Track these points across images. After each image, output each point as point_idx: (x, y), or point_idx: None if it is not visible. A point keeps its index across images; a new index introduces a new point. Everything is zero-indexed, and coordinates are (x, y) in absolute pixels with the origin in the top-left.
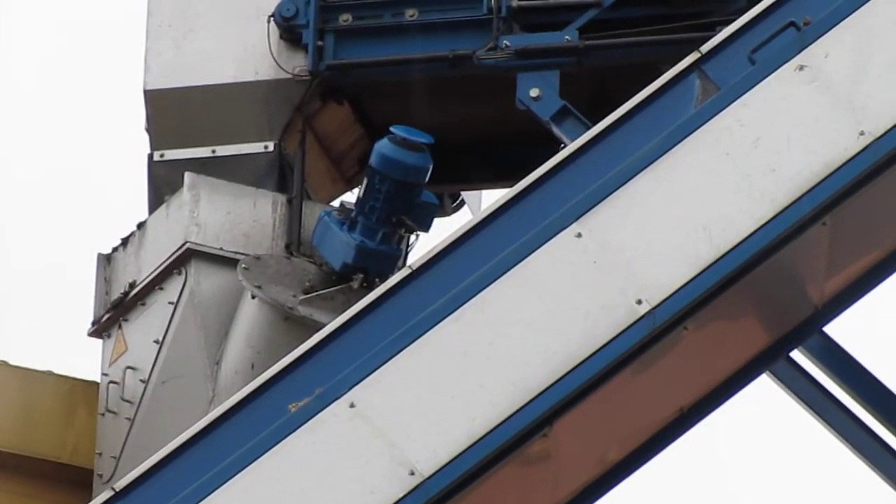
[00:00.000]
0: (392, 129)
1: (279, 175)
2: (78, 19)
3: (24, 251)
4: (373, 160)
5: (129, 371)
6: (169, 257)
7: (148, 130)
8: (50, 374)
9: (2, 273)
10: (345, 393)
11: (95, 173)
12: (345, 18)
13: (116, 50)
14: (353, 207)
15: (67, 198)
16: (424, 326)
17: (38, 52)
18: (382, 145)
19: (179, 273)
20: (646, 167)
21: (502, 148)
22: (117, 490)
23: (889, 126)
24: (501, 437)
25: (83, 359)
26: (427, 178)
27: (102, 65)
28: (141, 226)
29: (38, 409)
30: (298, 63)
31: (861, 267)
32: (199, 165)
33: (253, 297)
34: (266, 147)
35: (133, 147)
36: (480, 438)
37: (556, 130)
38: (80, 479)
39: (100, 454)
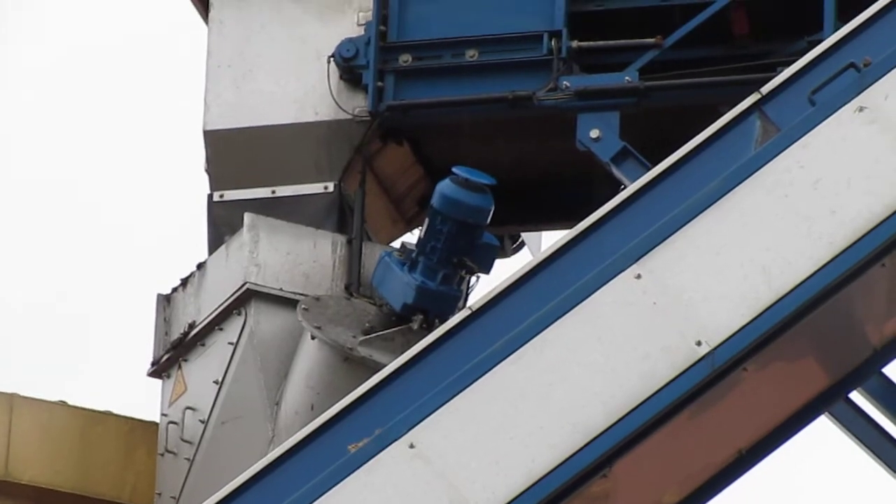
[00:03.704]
0: (454, 169)
1: (339, 216)
2: (138, 58)
3: (84, 292)
4: (435, 201)
5: (188, 411)
6: (228, 298)
7: (208, 171)
8: (109, 414)
9: (64, 313)
10: (404, 434)
11: (157, 214)
12: (405, 59)
13: (178, 89)
14: (413, 248)
15: (128, 238)
16: (484, 368)
17: (98, 89)
18: (445, 186)
19: (239, 313)
20: (705, 208)
21: (562, 189)
22: None
23: None
24: (560, 478)
25: (143, 399)
26: (489, 220)
27: (165, 103)
28: (201, 266)
29: (98, 449)
30: (358, 104)
31: None
32: (259, 206)
33: (313, 338)
34: (326, 188)
35: (194, 188)
36: (539, 479)
37: (615, 171)
38: None
39: (159, 495)
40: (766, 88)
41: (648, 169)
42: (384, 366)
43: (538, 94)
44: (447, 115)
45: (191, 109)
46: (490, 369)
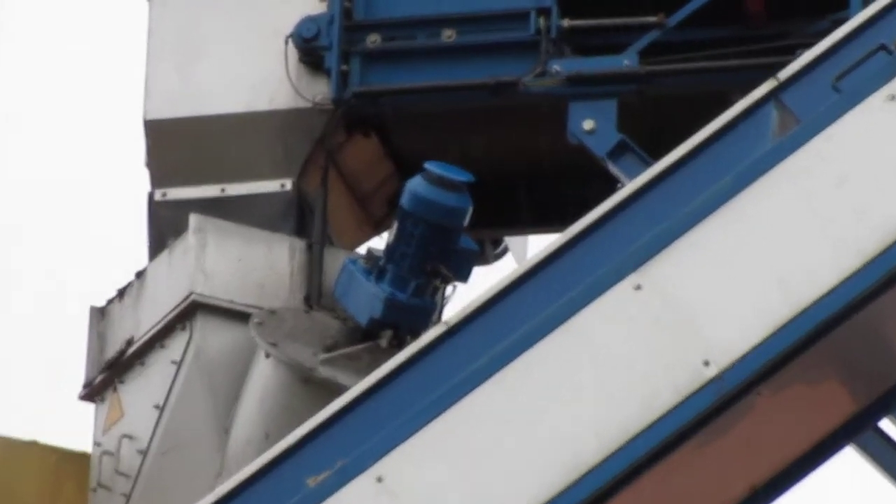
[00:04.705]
0: (427, 165)
1: (298, 217)
2: (71, 38)
3: (7, 302)
4: (404, 201)
5: (125, 440)
6: (172, 310)
7: (148, 166)
8: (34, 444)
9: None
10: (370, 466)
11: (88, 215)
12: (373, 40)
13: (113, 73)
14: (381, 255)
15: (56, 243)
16: (461, 391)
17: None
18: (416, 184)
19: (184, 328)
20: (714, 210)
21: (551, 187)
22: None
23: None
24: None
25: (73, 426)
26: (466, 222)
27: (97, 89)
28: (140, 274)
29: (21, 483)
30: (320, 90)
31: None
32: (207, 206)
33: (267, 357)
34: (283, 185)
35: (131, 185)
36: None
37: (612, 168)
38: None
39: None
40: (783, 74)
41: (649, 165)
42: (348, 388)
43: (524, 79)
44: (421, 104)
45: (130, 96)
46: (468, 393)
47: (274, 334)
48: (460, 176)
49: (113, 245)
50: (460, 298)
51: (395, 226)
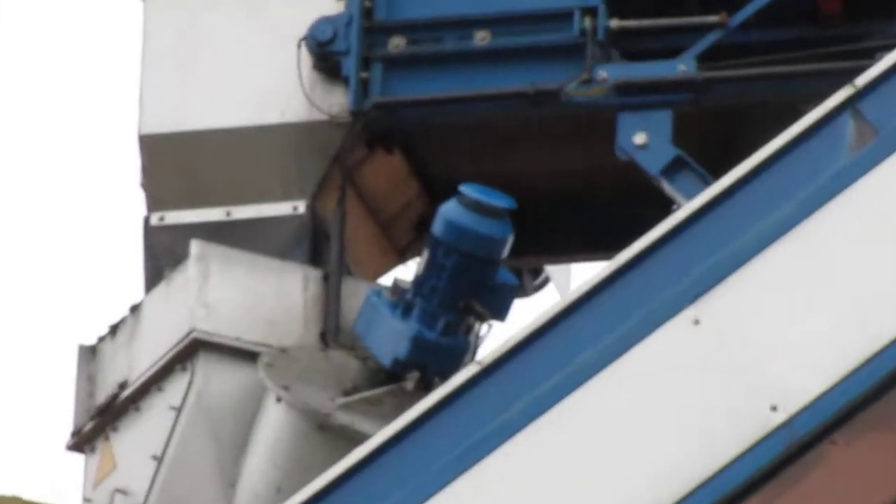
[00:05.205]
0: (461, 188)
1: (312, 244)
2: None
3: None
4: (436, 228)
5: (118, 495)
6: (170, 349)
7: (143, 186)
8: (16, 500)
9: None
10: None
11: (77, 241)
12: (396, 44)
13: (104, 81)
14: (408, 287)
15: (41, 272)
16: (496, 441)
17: None
18: (449, 210)
19: (184, 369)
20: (782, 235)
21: (597, 209)
22: None
23: None
24: None
25: (60, 479)
26: (505, 252)
27: (88, 99)
28: (135, 309)
29: None
30: (337, 101)
31: None
32: (210, 231)
33: (278, 401)
34: (295, 208)
35: (125, 208)
36: None
37: (667, 187)
38: None
39: None
40: (861, 80)
41: (709, 184)
42: (370, 436)
43: (567, 87)
44: (450, 115)
45: (126, 108)
46: (503, 443)
47: (285, 376)
48: (501, 201)
49: (104, 275)
50: (497, 337)
51: (424, 255)
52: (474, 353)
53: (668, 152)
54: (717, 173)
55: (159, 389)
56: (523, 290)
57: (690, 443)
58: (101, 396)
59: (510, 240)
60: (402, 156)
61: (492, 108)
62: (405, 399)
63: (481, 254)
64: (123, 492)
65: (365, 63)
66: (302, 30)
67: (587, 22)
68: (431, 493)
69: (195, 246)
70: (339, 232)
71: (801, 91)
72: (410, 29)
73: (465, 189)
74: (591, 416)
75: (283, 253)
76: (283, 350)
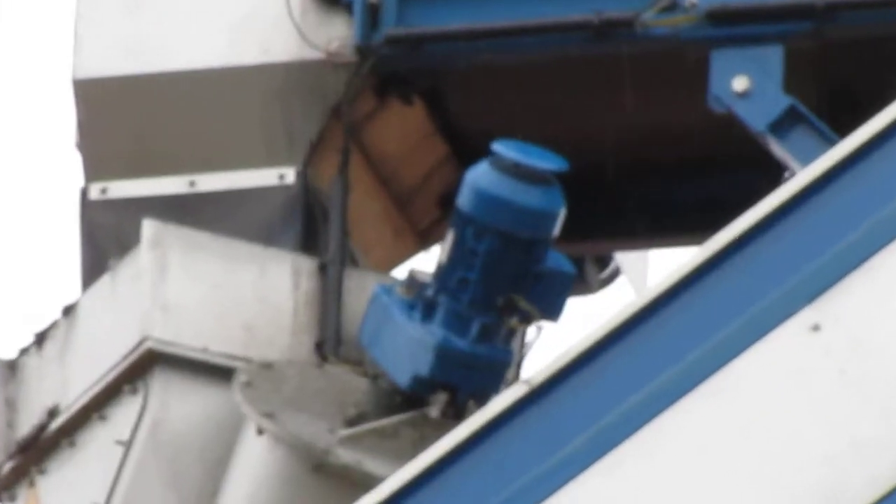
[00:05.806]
0: (495, 146)
1: (304, 224)
2: None
3: None
4: (463, 200)
5: None
6: (116, 365)
7: (79, 148)
8: None
9: None
10: None
11: None
12: None
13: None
14: (430, 281)
15: None
16: (552, 484)
17: None
18: (480, 175)
19: (134, 391)
20: None
21: (684, 180)
22: None
23: None
24: None
25: None
26: (556, 231)
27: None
28: (68, 311)
29: None
30: (337, 33)
31: None
32: (168, 207)
33: (260, 433)
34: (281, 177)
35: (56, 177)
36: None
37: (776, 148)
38: None
39: None
40: None
41: (832, 144)
42: (381, 480)
43: (643, 16)
44: (488, 54)
45: (54, 51)
46: (561, 487)
47: (270, 400)
48: (547, 162)
49: (27, 267)
50: (549, 345)
51: (449, 237)
52: (519, 367)
53: (779, 102)
54: (843, 130)
55: (102, 418)
56: (585, 285)
57: (808, 482)
58: (24, 427)
59: (561, 213)
60: (423, 108)
61: (544, 43)
62: (428, 430)
63: (524, 233)
64: None
65: None
66: None
67: None
68: None
69: (149, 227)
70: (341, 209)
71: None
72: None
73: (500, 147)
74: (678, 451)
75: (266, 236)
76: (266, 366)
